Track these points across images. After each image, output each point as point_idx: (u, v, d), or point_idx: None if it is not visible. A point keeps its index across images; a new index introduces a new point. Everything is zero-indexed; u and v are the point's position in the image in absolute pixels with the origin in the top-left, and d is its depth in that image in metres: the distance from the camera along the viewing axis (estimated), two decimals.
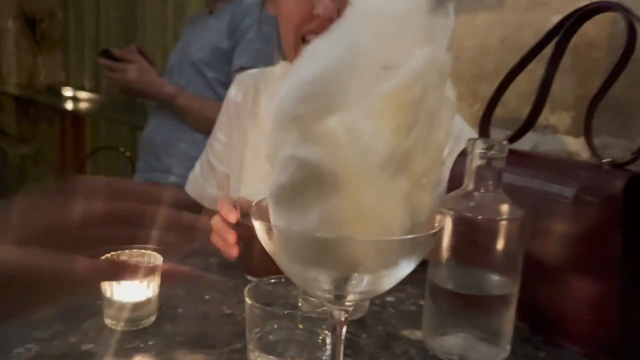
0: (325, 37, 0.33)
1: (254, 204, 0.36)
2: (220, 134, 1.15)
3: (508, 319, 0.60)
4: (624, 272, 0.59)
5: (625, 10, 0.63)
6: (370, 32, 0.32)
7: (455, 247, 0.60)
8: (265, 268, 0.76)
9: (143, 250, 0.64)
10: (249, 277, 0.79)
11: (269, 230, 0.34)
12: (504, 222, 0.59)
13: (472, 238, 0.60)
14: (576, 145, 1.19)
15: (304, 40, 0.92)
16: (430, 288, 0.61)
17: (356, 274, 0.34)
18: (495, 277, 0.60)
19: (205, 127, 1.56)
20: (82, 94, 3.41)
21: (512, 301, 0.60)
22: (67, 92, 3.50)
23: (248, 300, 0.56)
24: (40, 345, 0.58)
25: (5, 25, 3.56)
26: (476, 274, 0.60)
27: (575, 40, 0.74)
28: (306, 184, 0.33)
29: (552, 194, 0.64)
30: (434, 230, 0.33)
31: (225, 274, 0.81)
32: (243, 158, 1.07)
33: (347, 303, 0.36)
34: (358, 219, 0.32)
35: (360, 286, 0.35)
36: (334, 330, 0.38)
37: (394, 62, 0.32)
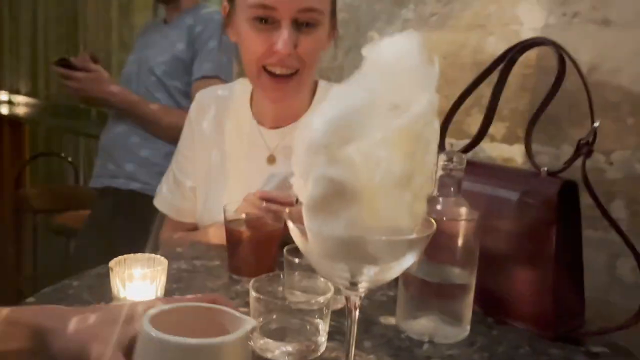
0: (348, 83, 0.43)
1: (287, 210, 0.46)
2: (184, 149, 1.20)
3: (468, 304, 0.72)
4: (557, 262, 0.72)
5: (556, 46, 0.76)
6: (382, 80, 0.42)
7: None
8: (249, 268, 0.85)
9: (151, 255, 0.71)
10: (235, 276, 0.87)
11: (303, 232, 0.43)
12: (463, 223, 0.71)
13: (437, 237, 0.71)
14: (510, 152, 1.34)
15: (264, 69, 0.99)
16: (404, 279, 0.72)
17: (371, 266, 0.43)
18: (456, 269, 0.72)
19: (166, 134, 1.61)
20: (19, 98, 3.32)
21: (471, 288, 0.72)
22: (2, 96, 3.39)
23: (254, 293, 0.64)
24: None
25: None
26: (441, 266, 0.72)
27: None
28: (334, 196, 0.42)
29: (500, 198, 0.77)
30: (430, 232, 0.44)
31: (211, 274, 0.88)
32: (210, 173, 1.14)
33: (360, 289, 0.46)
34: (375, 223, 0.42)
35: (372, 275, 0.45)
36: (350, 313, 0.47)
37: (401, 104, 0.42)
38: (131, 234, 1.57)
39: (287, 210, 0.46)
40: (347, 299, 0.47)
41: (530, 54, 1.27)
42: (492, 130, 1.39)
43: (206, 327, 0.48)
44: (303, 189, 0.44)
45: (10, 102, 3.33)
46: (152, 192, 1.54)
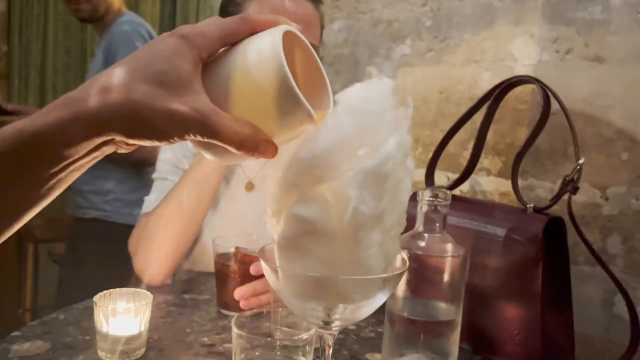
0: (320, 126, 0.43)
1: (259, 250, 0.46)
2: (170, 175, 1.12)
3: (454, 341, 0.71)
4: (545, 300, 0.72)
5: (540, 83, 0.77)
6: (353, 123, 0.43)
7: (409, 280, 0.71)
8: (238, 303, 0.85)
9: (136, 289, 0.71)
10: (224, 311, 0.87)
11: (275, 271, 0.44)
12: (449, 259, 0.71)
13: (423, 272, 0.71)
14: (507, 186, 1.34)
15: None
16: (389, 316, 0.72)
17: (343, 305, 0.44)
18: (442, 305, 0.71)
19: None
20: None
21: (457, 325, 0.71)
22: None
23: (235, 330, 0.64)
24: None
25: None
26: (427, 303, 0.71)
27: None
28: (304, 235, 0.43)
29: (487, 234, 0.77)
30: (402, 270, 0.44)
31: (199, 308, 0.88)
32: None
33: (334, 328, 0.46)
34: (346, 262, 0.42)
35: (345, 314, 0.45)
36: (323, 351, 0.47)
37: (370, 146, 0.43)
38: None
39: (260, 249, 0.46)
40: (320, 337, 0.47)
41: (525, 89, 1.29)
42: (488, 164, 1.40)
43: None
44: (276, 228, 0.44)
45: None
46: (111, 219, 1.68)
